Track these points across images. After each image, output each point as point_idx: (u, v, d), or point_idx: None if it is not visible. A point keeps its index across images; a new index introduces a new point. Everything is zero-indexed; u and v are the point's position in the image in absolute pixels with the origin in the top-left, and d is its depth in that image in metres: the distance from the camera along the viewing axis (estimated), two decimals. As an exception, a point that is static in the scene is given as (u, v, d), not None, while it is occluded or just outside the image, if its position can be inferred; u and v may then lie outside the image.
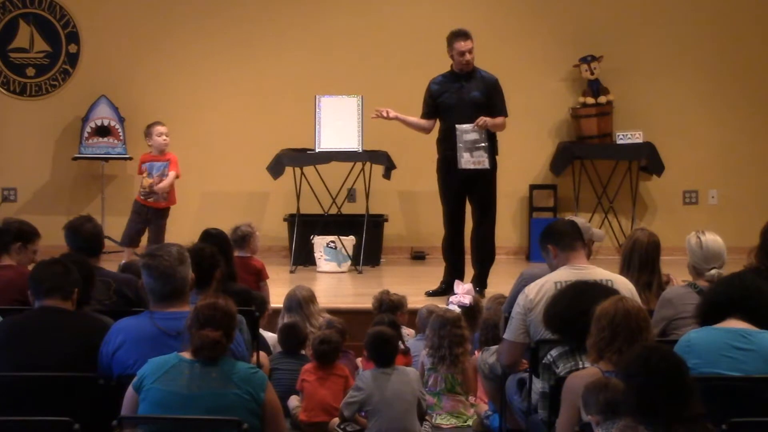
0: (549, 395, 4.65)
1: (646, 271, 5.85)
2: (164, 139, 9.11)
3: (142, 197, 9.11)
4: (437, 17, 10.62)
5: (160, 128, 9.14)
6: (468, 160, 8.34)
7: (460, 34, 8.44)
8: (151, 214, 9.07)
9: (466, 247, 8.70)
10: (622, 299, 4.41)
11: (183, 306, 4.46)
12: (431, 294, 8.45)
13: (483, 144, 8.34)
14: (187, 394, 4.06)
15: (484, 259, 8.57)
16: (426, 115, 8.62)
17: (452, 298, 7.16)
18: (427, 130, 8.67)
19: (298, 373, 6.30)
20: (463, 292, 7.11)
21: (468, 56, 8.42)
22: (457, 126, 8.32)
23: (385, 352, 5.88)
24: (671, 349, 4.01)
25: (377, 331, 5.97)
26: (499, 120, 8.42)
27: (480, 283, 8.44)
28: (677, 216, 10.64)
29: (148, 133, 9.18)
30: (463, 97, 8.45)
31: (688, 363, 3.80)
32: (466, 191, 8.52)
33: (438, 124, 8.64)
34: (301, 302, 6.92)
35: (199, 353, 4.11)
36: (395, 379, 5.77)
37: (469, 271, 8.61)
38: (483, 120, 8.28)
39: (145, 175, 9.13)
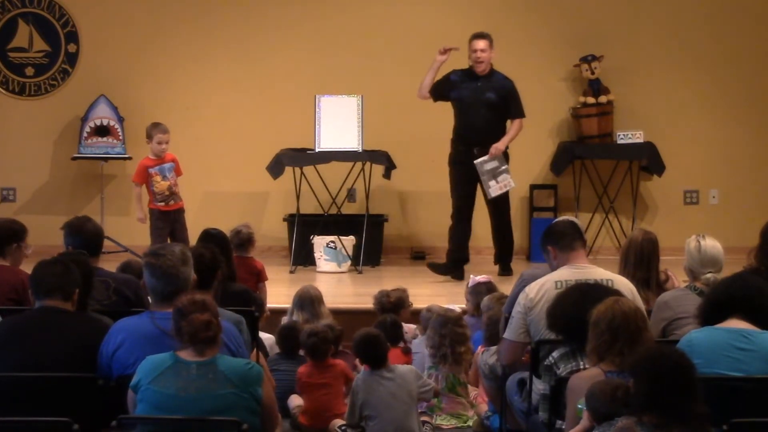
0: (550, 396, 4.65)
1: (641, 268, 5.86)
2: (163, 147, 8.84)
3: (161, 203, 8.77)
4: (437, 17, 10.62)
5: (161, 136, 8.82)
6: (495, 188, 9.10)
7: (475, 35, 9.14)
8: (174, 216, 8.82)
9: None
10: (618, 301, 4.41)
11: (184, 306, 4.43)
12: (433, 266, 9.30)
13: (504, 167, 9.07)
14: (184, 396, 4.04)
15: (503, 245, 9.44)
16: (433, 91, 9.22)
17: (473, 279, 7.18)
18: (421, 94, 9.27)
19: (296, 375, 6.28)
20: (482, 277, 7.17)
21: (479, 54, 9.03)
22: (475, 162, 9.01)
23: (373, 353, 5.81)
24: (680, 349, 4.03)
25: (363, 334, 5.91)
26: (510, 133, 9.17)
27: (504, 266, 9.38)
28: (678, 216, 10.63)
29: (148, 134, 8.89)
30: (478, 96, 9.07)
31: (690, 363, 3.81)
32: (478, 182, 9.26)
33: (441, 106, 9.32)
34: (314, 300, 6.93)
35: (196, 338, 4.07)
36: (390, 381, 5.73)
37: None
38: (495, 149, 9.01)
39: (158, 180, 8.78)
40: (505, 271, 9.30)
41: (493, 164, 9.05)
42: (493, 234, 9.49)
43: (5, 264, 5.78)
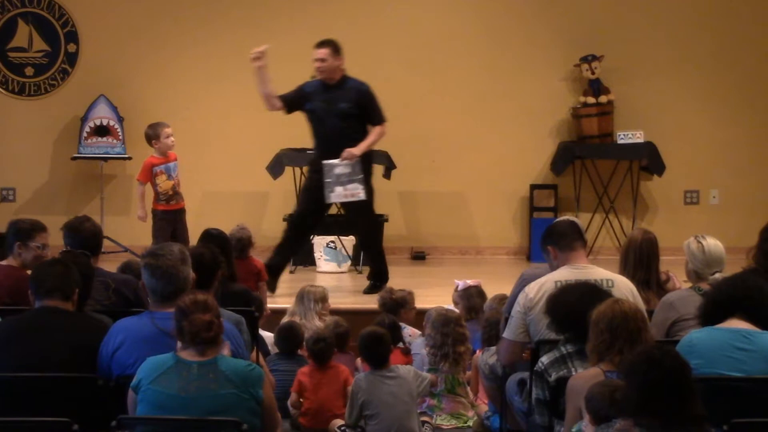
0: (546, 401, 4.63)
1: (641, 269, 5.86)
2: (172, 141, 8.79)
3: (164, 203, 8.69)
4: (437, 17, 10.62)
5: (167, 130, 8.75)
6: (339, 194, 8.32)
7: (317, 43, 8.43)
8: (176, 216, 8.74)
9: None
10: (618, 301, 4.40)
11: (183, 306, 4.42)
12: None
13: (357, 176, 8.28)
14: (184, 396, 4.04)
15: (373, 260, 8.84)
16: (285, 98, 8.49)
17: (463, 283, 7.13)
18: (270, 106, 8.53)
19: (296, 375, 6.27)
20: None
21: (318, 63, 8.37)
22: (323, 162, 8.27)
23: (377, 353, 5.80)
24: (674, 349, 4.01)
25: (369, 332, 5.92)
26: (369, 139, 8.38)
27: (377, 277, 8.67)
28: (678, 216, 10.63)
29: (155, 134, 8.75)
30: (330, 107, 8.39)
31: (690, 363, 3.79)
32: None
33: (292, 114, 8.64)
34: (311, 298, 6.94)
35: (197, 338, 4.07)
36: (391, 381, 5.72)
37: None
38: (348, 153, 8.22)
39: (163, 179, 8.71)
40: (371, 287, 8.60)
41: (344, 170, 8.25)
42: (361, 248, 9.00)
43: (10, 264, 5.74)
